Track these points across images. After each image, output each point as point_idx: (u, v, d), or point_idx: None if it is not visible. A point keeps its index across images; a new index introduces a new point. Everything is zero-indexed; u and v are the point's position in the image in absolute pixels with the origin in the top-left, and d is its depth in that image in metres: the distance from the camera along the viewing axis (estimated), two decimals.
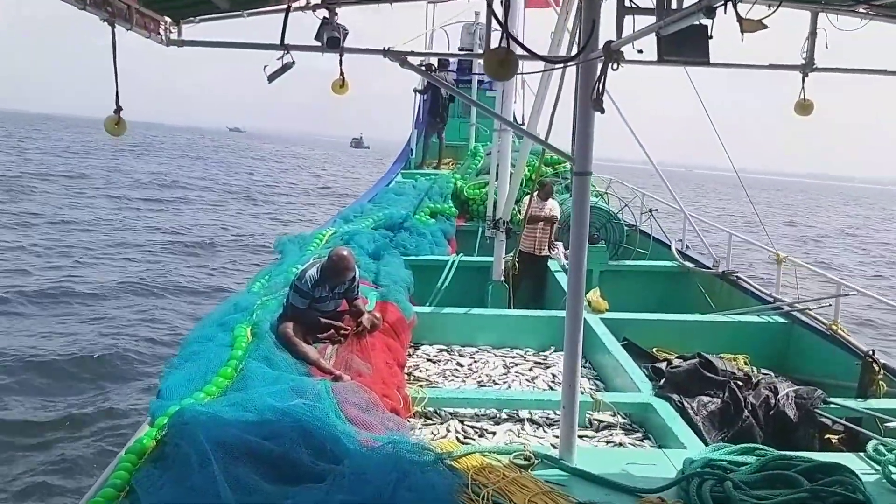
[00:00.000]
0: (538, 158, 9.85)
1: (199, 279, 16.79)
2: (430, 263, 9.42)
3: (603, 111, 3.76)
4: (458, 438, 4.88)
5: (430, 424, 5.19)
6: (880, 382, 5.64)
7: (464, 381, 6.25)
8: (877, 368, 5.69)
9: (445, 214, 11.63)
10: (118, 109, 3.56)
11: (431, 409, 5.34)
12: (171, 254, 19.30)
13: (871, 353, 5.85)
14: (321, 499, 3.09)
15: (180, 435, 3.61)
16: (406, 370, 6.20)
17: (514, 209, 9.52)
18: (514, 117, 11.80)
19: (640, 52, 3.74)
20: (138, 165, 47.35)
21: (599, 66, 3.70)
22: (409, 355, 6.77)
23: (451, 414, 5.37)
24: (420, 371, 6.46)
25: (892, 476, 4.03)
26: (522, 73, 5.92)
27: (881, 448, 4.36)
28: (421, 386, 5.71)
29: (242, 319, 5.35)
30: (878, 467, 4.15)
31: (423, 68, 11.16)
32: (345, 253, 5.71)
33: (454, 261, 9.36)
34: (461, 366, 6.67)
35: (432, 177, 13.75)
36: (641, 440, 5.09)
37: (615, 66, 3.65)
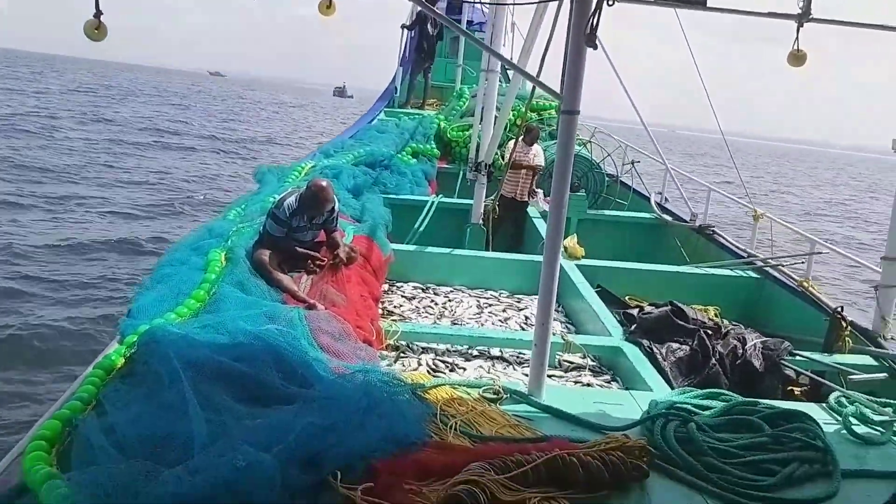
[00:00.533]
0: (524, 104, 9.74)
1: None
2: (409, 203, 9.38)
3: (595, 47, 3.71)
4: (429, 371, 4.92)
5: (403, 357, 5.22)
6: (846, 338, 5.74)
7: (438, 320, 6.28)
8: (844, 325, 5.79)
9: (427, 155, 11.54)
10: (98, 14, 3.36)
11: (404, 343, 5.37)
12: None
13: (839, 309, 5.95)
14: (290, 420, 3.09)
15: (150, 353, 3.59)
16: (381, 305, 6.21)
17: (496, 153, 9.45)
18: None
19: None
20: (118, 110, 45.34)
21: (595, 0, 3.63)
22: (385, 292, 6.79)
23: (423, 348, 5.41)
24: (394, 307, 6.47)
25: (852, 427, 4.12)
26: (516, 3, 5.80)
27: (843, 399, 4.46)
28: (394, 320, 5.71)
29: (217, 245, 5.29)
30: (839, 418, 4.24)
31: None
32: (324, 184, 5.63)
33: (434, 202, 9.32)
34: (435, 304, 6.69)
35: (416, 117, 13.58)
36: (609, 382, 5.16)
37: (611, 1, 3.59)
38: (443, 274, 7.38)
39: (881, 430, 4.14)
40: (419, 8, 13.45)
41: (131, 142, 29.23)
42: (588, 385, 5.05)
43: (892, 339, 5.77)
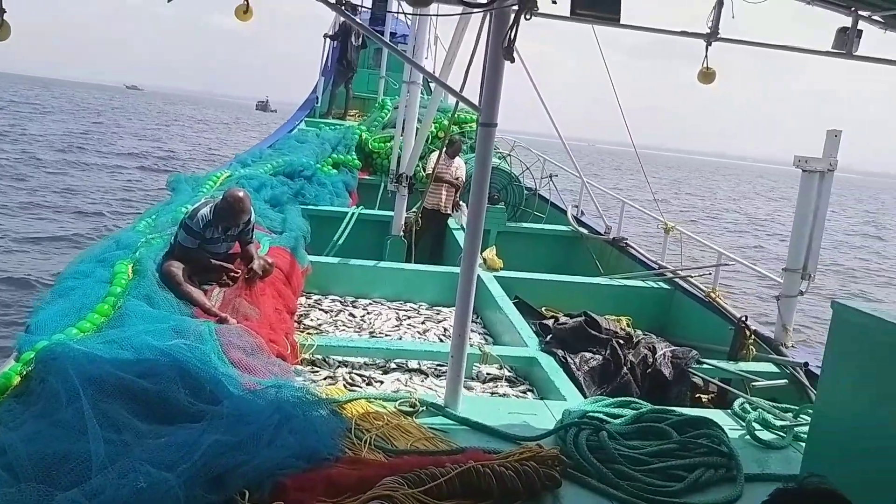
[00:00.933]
0: (446, 116, 9.80)
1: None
2: (329, 214, 9.30)
3: (513, 60, 3.78)
4: (345, 386, 4.86)
5: (318, 371, 5.14)
6: (750, 347, 5.97)
7: (356, 333, 6.22)
8: (748, 334, 6.01)
9: (348, 166, 11.47)
10: (1, 11, 3.16)
11: (320, 357, 5.29)
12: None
13: (743, 319, 6.19)
14: (196, 438, 2.99)
15: (48, 370, 3.41)
16: (296, 318, 6.11)
17: (418, 165, 9.47)
18: None
19: (554, 2, 3.76)
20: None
21: (513, 14, 3.69)
22: (303, 305, 6.68)
23: (339, 362, 5.34)
24: (311, 320, 6.38)
25: (755, 432, 4.28)
26: (438, 15, 5.84)
27: (747, 406, 4.64)
28: (310, 334, 5.63)
29: (124, 256, 5.09)
30: (743, 423, 4.40)
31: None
32: (241, 194, 5.50)
33: (354, 213, 9.27)
34: (353, 317, 6.63)
35: (338, 127, 13.49)
36: (525, 392, 5.22)
37: (528, 15, 3.66)
38: (362, 286, 7.32)
39: (782, 434, 4.32)
40: (342, 18, 13.41)
41: (38, 161, 27.73)
42: (504, 395, 5.09)
43: (792, 347, 6.03)
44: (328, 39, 15.94)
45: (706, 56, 5.73)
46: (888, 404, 3.21)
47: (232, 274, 5.39)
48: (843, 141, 5.78)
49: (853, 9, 5.39)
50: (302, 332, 5.76)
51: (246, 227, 5.57)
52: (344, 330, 6.26)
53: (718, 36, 5.59)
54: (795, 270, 6.11)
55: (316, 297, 7.02)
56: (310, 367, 5.13)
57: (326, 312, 6.66)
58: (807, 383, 5.35)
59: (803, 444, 3.96)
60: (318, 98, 16.08)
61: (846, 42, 5.52)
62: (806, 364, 5.55)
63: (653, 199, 10.38)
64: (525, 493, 3.29)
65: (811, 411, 4.16)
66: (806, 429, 4.05)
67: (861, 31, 5.49)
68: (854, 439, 3.40)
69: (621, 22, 4.50)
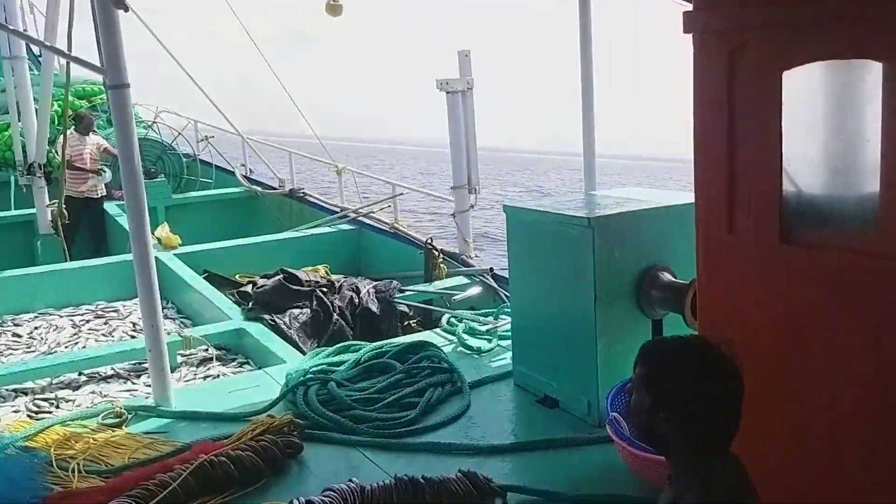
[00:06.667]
0: (65, 90, 8.62)
1: None
2: None
3: (126, 9, 3.40)
4: (29, 416, 4.16)
5: None
6: (441, 265, 6.32)
7: (27, 354, 5.36)
8: (437, 254, 6.36)
9: None
10: None
11: None
12: None
13: (429, 241, 6.52)
14: None
15: None
16: None
17: (50, 150, 8.31)
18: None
19: None
20: None
21: None
22: None
23: (15, 391, 4.56)
24: None
25: (465, 342, 4.55)
26: None
27: (453, 320, 4.91)
28: None
29: None
30: (453, 336, 4.66)
31: None
32: None
33: None
34: (20, 336, 5.70)
35: None
36: (241, 367, 4.95)
37: None
38: (18, 300, 6.30)
39: (489, 337, 4.65)
40: None
41: None
42: (220, 376, 4.77)
43: (476, 256, 6.52)
44: None
45: None
46: (567, 288, 3.57)
47: None
48: None
49: None
50: None
51: None
52: (10, 354, 5.35)
53: None
54: (462, 187, 6.56)
55: None
56: None
57: None
58: (495, 286, 5.82)
59: (508, 342, 4.30)
60: None
61: None
62: (491, 269, 6.02)
63: (319, 144, 10.32)
64: (269, 469, 3.13)
65: (508, 310, 4.53)
66: (507, 327, 4.42)
67: None
68: (548, 327, 3.76)
69: None
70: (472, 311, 5.07)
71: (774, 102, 2.25)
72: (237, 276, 6.89)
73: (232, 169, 10.38)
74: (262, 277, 5.98)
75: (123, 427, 3.62)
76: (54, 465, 3.21)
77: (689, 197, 2.78)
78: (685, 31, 2.47)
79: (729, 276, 2.51)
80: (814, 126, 2.35)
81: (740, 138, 2.38)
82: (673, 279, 3.54)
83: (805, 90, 2.27)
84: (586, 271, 3.41)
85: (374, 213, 7.81)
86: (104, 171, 8.67)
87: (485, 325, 4.81)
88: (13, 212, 8.67)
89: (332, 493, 2.68)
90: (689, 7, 2.53)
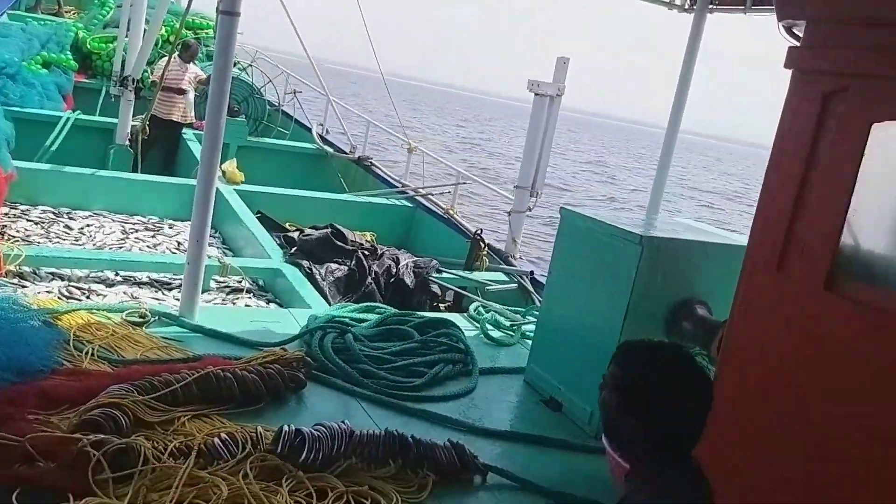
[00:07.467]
0: (178, 20, 8.90)
1: None
2: (38, 118, 8.14)
3: None
4: (60, 298, 4.31)
5: (27, 285, 4.51)
6: (484, 258, 6.32)
7: (74, 245, 5.56)
8: (482, 246, 6.36)
9: (62, 66, 10.07)
10: None
11: (28, 270, 4.64)
12: None
13: (478, 232, 6.52)
14: None
15: None
16: None
17: (146, 70, 8.58)
18: None
19: None
20: None
21: None
22: (6, 215, 5.80)
23: (52, 275, 4.73)
24: (17, 231, 5.57)
25: (489, 332, 4.55)
26: None
27: (481, 309, 4.90)
28: (15, 243, 4.90)
29: None
30: (478, 325, 4.65)
31: None
32: None
33: (69, 118, 8.20)
34: (71, 229, 5.92)
35: (48, 22, 11.77)
36: (269, 303, 5.04)
37: None
38: (80, 197, 6.54)
39: (511, 333, 4.64)
40: None
41: None
42: (246, 307, 4.87)
43: (520, 257, 6.50)
44: None
45: None
46: (601, 300, 3.54)
47: None
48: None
49: None
50: (6, 242, 5.01)
51: None
52: (58, 242, 5.55)
53: None
54: (525, 188, 6.53)
55: (23, 207, 6.14)
56: (17, 280, 4.48)
57: (36, 224, 5.86)
58: (531, 289, 5.78)
59: (530, 342, 4.28)
60: None
61: None
62: (531, 272, 6.00)
63: (399, 124, 10.42)
64: (269, 395, 3.18)
65: (537, 313, 4.51)
66: (532, 328, 4.39)
67: None
68: (573, 332, 3.73)
69: None
70: (501, 306, 5.05)
71: (857, 151, 2.22)
72: (287, 224, 7.02)
73: (309, 126, 10.54)
74: (310, 228, 6.08)
75: (144, 328, 3.72)
76: (71, 344, 3.32)
77: (744, 240, 2.72)
78: (786, 66, 2.49)
79: (765, 313, 2.47)
80: (890, 182, 2.30)
81: (814, 178, 2.36)
82: (708, 314, 3.47)
83: (891, 147, 2.23)
84: (625, 287, 3.37)
85: (432, 195, 7.85)
86: (187, 93, 8.91)
87: (511, 320, 4.79)
88: (97, 117, 8.97)
89: (322, 427, 2.71)
90: (796, 43, 2.51)
